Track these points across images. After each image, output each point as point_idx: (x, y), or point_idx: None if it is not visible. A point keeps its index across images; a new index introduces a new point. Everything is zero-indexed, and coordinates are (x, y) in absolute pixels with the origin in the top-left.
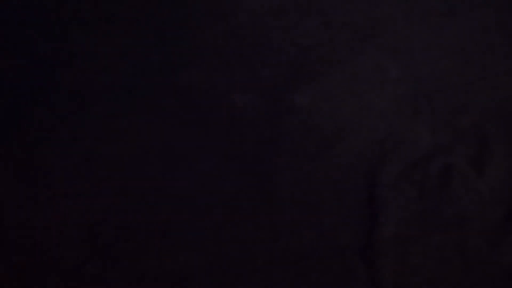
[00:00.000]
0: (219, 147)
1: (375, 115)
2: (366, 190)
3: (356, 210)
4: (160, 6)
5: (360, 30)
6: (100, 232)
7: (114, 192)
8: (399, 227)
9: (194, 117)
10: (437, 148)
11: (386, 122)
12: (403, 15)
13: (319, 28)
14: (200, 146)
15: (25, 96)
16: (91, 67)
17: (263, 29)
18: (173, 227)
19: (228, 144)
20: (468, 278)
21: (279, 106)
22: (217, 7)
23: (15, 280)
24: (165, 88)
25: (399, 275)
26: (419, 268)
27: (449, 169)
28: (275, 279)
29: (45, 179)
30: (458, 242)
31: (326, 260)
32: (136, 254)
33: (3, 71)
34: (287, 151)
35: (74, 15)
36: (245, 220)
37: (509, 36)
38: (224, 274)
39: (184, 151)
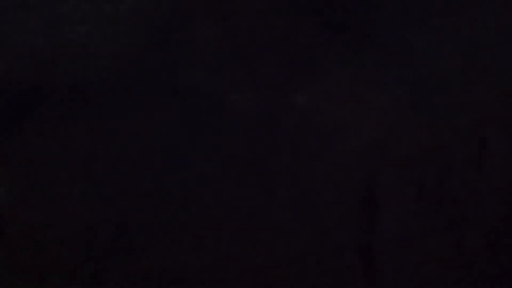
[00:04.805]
0: (219, 147)
1: (375, 115)
2: (366, 190)
3: (356, 210)
4: (159, 7)
5: (360, 30)
6: (100, 232)
7: (114, 192)
8: (399, 227)
9: (193, 117)
10: (437, 148)
11: (386, 122)
12: (403, 15)
13: (319, 28)
14: (199, 146)
15: (25, 96)
16: (91, 67)
17: (263, 29)
18: (173, 227)
19: (228, 144)
20: (468, 278)
21: (279, 106)
22: (217, 7)
23: (15, 280)
24: (165, 88)
25: (399, 275)
26: (419, 268)
27: (449, 168)
28: (275, 279)
29: (45, 179)
30: (458, 242)
31: (326, 260)
32: (136, 254)
33: (3, 71)
34: (287, 151)
35: (74, 15)
36: (245, 220)
37: (509, 36)
38: (224, 274)
39: (183, 151)
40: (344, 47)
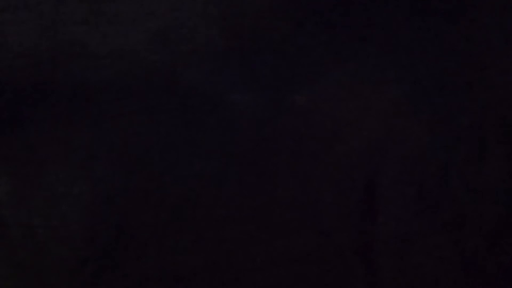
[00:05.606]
0: (219, 147)
1: (375, 115)
2: (366, 190)
3: (356, 210)
4: (159, 7)
5: (359, 30)
6: (100, 232)
7: (114, 192)
8: (399, 227)
9: (193, 117)
10: (437, 148)
11: (386, 122)
12: (403, 15)
13: (319, 28)
14: (199, 146)
15: (25, 96)
16: (91, 67)
17: (263, 29)
18: (173, 227)
19: (228, 144)
20: (468, 278)
21: (279, 106)
22: (216, 8)
23: (15, 280)
24: (165, 88)
25: (399, 275)
26: (419, 268)
27: (449, 168)
28: (275, 279)
29: (45, 179)
30: (458, 242)
31: (326, 260)
32: (136, 254)
33: (3, 71)
34: (287, 151)
35: (74, 15)
36: (245, 220)
37: (509, 36)
38: (224, 274)
39: (183, 151)
40: (344, 47)
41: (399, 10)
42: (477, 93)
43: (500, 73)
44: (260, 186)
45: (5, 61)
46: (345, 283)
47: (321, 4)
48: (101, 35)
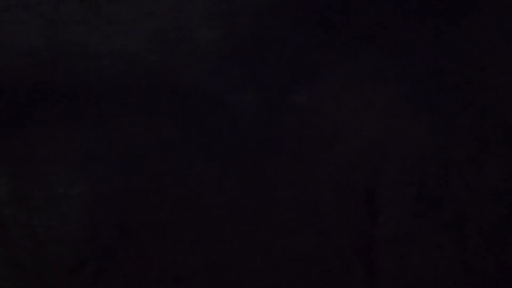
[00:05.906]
0: (219, 147)
1: (375, 115)
2: (366, 190)
3: (356, 210)
4: (159, 7)
5: (360, 30)
6: (100, 232)
7: (114, 192)
8: (399, 227)
9: (193, 117)
10: (437, 148)
11: (386, 122)
12: (403, 15)
13: (319, 28)
14: (199, 146)
15: (25, 96)
16: (91, 67)
17: (263, 29)
18: (173, 227)
19: (228, 144)
20: (468, 278)
21: (279, 106)
22: (216, 8)
23: (15, 280)
24: (165, 88)
25: (399, 275)
26: (419, 268)
27: (449, 168)
28: (275, 279)
29: (45, 179)
30: (458, 242)
31: (326, 260)
32: (136, 254)
33: (3, 71)
34: (287, 151)
35: (74, 15)
36: (245, 220)
37: (509, 36)
38: (224, 274)
39: (183, 151)
40: (344, 47)
41: (399, 10)
42: (477, 93)
43: (500, 73)
44: (260, 186)
45: (5, 61)
46: (345, 283)
47: (321, 4)
48: (101, 35)
